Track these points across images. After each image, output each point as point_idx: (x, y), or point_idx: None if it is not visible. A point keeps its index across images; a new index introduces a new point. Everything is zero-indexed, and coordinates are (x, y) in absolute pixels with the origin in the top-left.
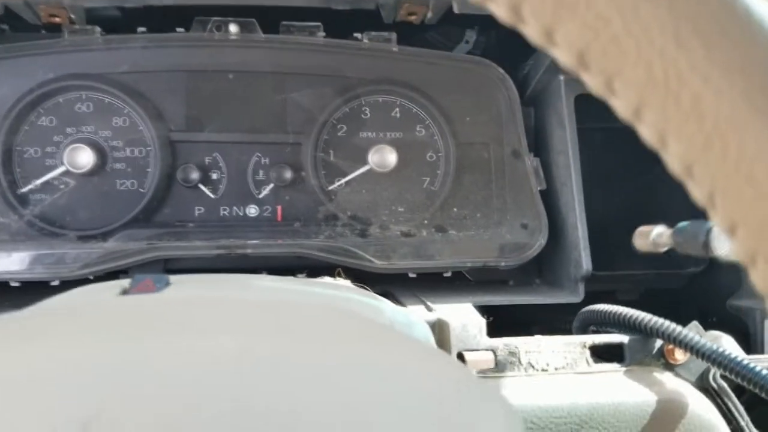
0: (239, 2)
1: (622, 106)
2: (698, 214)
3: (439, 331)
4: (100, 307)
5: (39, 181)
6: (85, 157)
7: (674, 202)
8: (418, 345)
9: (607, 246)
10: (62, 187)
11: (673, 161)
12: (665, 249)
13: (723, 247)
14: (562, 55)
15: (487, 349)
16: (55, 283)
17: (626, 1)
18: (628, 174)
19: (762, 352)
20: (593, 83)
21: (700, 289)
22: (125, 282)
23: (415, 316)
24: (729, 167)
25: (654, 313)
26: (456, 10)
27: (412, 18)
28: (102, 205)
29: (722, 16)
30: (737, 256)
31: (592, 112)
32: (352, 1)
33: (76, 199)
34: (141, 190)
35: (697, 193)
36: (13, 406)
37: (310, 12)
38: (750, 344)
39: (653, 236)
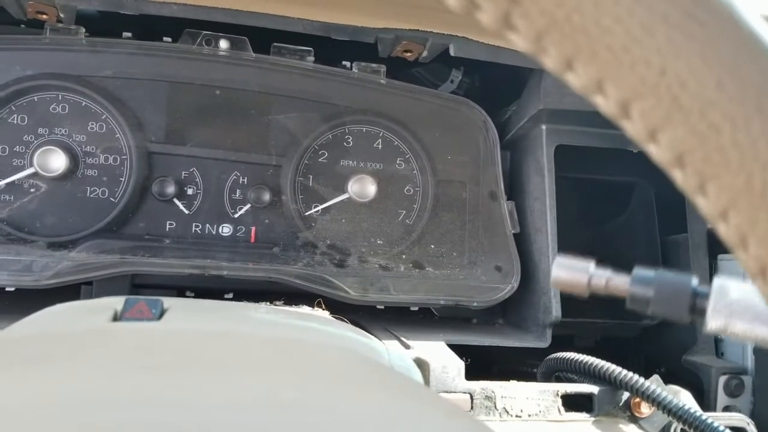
0: (239, 21)
1: (709, 207)
2: (655, 264)
3: (420, 369)
4: (102, 335)
5: (4, 182)
6: (56, 161)
7: (634, 252)
8: (432, 395)
9: (569, 293)
10: (32, 190)
11: (749, 261)
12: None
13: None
14: (659, 153)
15: (464, 392)
16: (10, 288)
17: (739, 115)
18: (593, 221)
19: (715, 408)
20: (684, 182)
21: (654, 341)
22: (114, 303)
23: (407, 358)
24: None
25: (609, 360)
26: (452, 53)
27: (408, 55)
28: (72, 212)
29: None
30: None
31: (566, 162)
32: (352, 32)
33: (45, 204)
34: (112, 199)
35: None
36: None
37: (302, 35)
38: (704, 400)
39: (602, 281)
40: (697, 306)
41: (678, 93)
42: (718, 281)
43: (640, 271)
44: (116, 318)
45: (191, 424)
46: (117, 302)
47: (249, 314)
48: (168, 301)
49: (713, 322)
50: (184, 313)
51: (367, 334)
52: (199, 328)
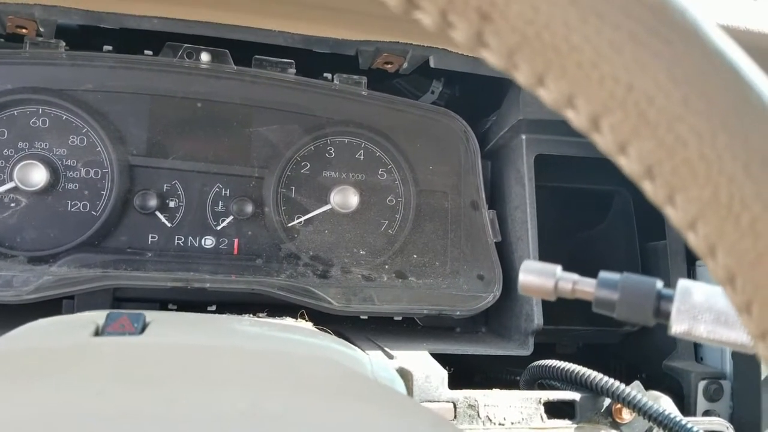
0: (220, 34)
1: (677, 216)
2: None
3: (403, 380)
4: (84, 350)
5: None
6: (36, 175)
7: (614, 260)
8: (416, 406)
9: (550, 301)
10: (12, 205)
11: (717, 270)
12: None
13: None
14: (629, 165)
15: (448, 401)
16: None
17: (705, 129)
18: (573, 230)
19: (695, 413)
20: (654, 193)
21: (634, 347)
22: (95, 317)
23: (391, 369)
24: None
25: (589, 367)
26: (432, 64)
27: (388, 67)
28: (53, 226)
29: None
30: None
31: (546, 171)
32: (333, 45)
33: (25, 218)
34: (94, 213)
35: (735, 299)
36: None
37: (283, 47)
38: (683, 405)
39: (571, 287)
40: (661, 309)
41: (645, 108)
42: (682, 283)
43: (605, 274)
44: (98, 332)
45: None
46: (99, 317)
47: (231, 327)
48: (150, 315)
49: (677, 326)
50: (166, 327)
51: (351, 345)
52: (182, 342)
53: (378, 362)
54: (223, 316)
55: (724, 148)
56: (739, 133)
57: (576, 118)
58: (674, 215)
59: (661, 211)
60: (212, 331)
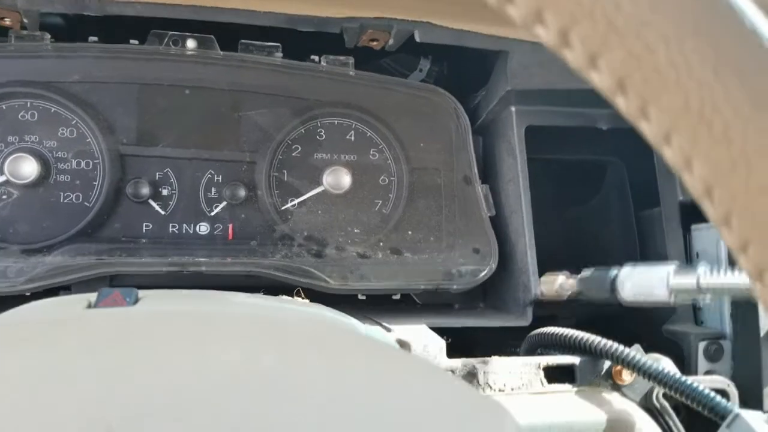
0: (203, 17)
1: (652, 130)
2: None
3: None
4: (76, 321)
5: None
6: (27, 168)
7: (609, 231)
8: (411, 356)
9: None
10: (4, 197)
11: (695, 183)
12: (568, 295)
13: (627, 293)
14: (601, 80)
15: (447, 370)
16: None
17: (673, 34)
18: (568, 203)
19: (696, 373)
20: (627, 107)
21: (634, 315)
22: (88, 296)
23: (386, 335)
24: (751, 191)
25: None
26: (418, 38)
27: (374, 44)
28: (46, 217)
29: (759, 54)
30: (746, 271)
31: (537, 143)
32: (318, 23)
33: (18, 210)
34: (87, 203)
35: (713, 213)
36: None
37: (268, 31)
38: (685, 366)
39: (557, 285)
40: (615, 286)
41: (613, 16)
42: (625, 268)
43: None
44: (90, 308)
45: (168, 396)
46: (92, 296)
47: (223, 299)
48: (144, 292)
49: (622, 293)
50: (158, 300)
51: (347, 316)
52: (172, 310)
53: (371, 328)
54: (216, 291)
55: (693, 52)
56: (708, 37)
57: (546, 35)
58: (649, 129)
59: (636, 126)
60: (204, 302)
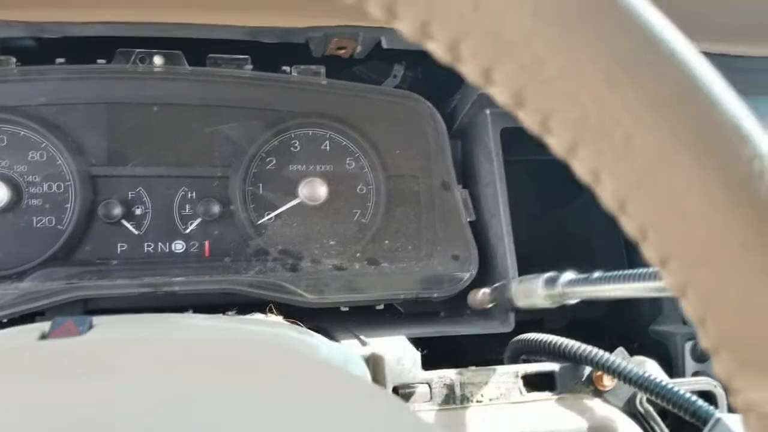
0: (164, 34)
1: (557, 144)
2: (617, 243)
3: (374, 365)
4: (22, 352)
5: None
6: None
7: (594, 233)
8: (356, 381)
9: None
10: None
11: (607, 197)
12: (491, 305)
13: (521, 301)
14: (500, 95)
15: (422, 383)
16: None
17: (561, 46)
18: (551, 206)
19: (683, 375)
20: (529, 121)
21: (621, 316)
22: (44, 325)
23: (351, 352)
24: (661, 202)
25: (580, 340)
26: (384, 45)
27: (341, 52)
28: (17, 243)
29: (650, 57)
30: (669, 286)
31: (517, 145)
32: (281, 34)
33: None
34: (59, 226)
35: (630, 227)
36: None
37: (238, 45)
38: (672, 368)
39: (479, 296)
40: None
41: (497, 27)
42: (515, 279)
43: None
44: (43, 338)
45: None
46: (46, 325)
47: (178, 322)
48: (99, 319)
49: (517, 302)
50: (110, 326)
51: (312, 333)
52: (118, 337)
53: (333, 345)
54: (175, 314)
55: (584, 59)
56: (597, 39)
57: (437, 49)
58: (554, 143)
59: (542, 140)
60: (157, 327)
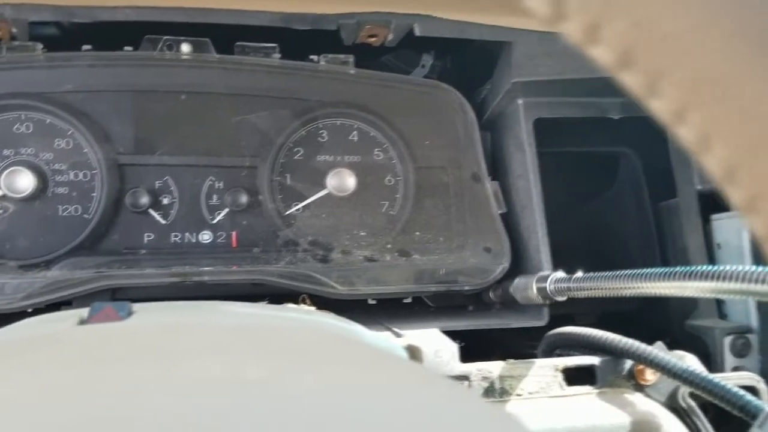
0: (194, 19)
1: (662, 108)
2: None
3: (411, 357)
4: (66, 338)
5: None
6: (24, 181)
7: (626, 225)
8: (420, 368)
9: (565, 270)
10: (0, 212)
11: (715, 165)
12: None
13: (518, 296)
14: (603, 54)
15: (461, 375)
16: None
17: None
18: (580, 197)
19: (723, 370)
20: (633, 83)
21: (653, 311)
22: (80, 311)
23: (394, 342)
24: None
25: None
26: (418, 32)
27: (372, 40)
28: (44, 231)
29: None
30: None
31: (547, 136)
32: (313, 21)
33: (15, 225)
34: (86, 215)
35: (738, 197)
36: None
37: (265, 33)
38: (710, 363)
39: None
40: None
41: None
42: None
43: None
44: (82, 323)
45: (162, 414)
46: (83, 311)
47: (220, 309)
48: (137, 305)
49: (516, 296)
50: (152, 312)
51: (352, 323)
52: (167, 323)
53: (376, 334)
54: (214, 301)
55: (709, 15)
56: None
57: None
58: (658, 107)
59: (644, 104)
60: (199, 314)
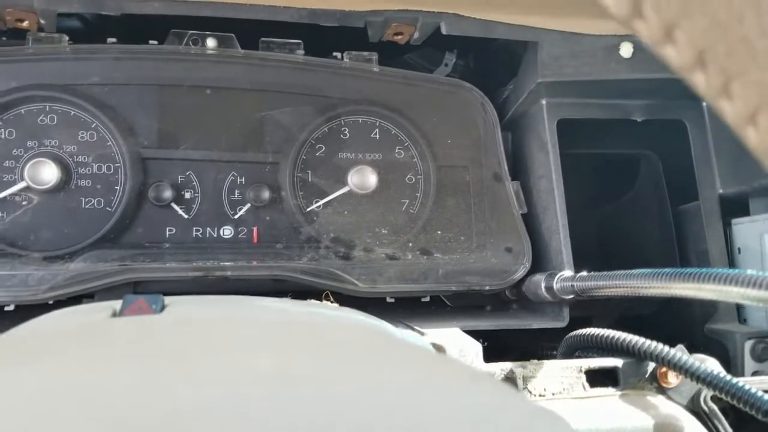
0: (222, 14)
1: (733, 109)
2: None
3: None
4: (103, 330)
5: None
6: (48, 173)
7: (646, 227)
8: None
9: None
10: (24, 203)
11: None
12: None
13: (530, 294)
14: (677, 55)
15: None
16: (10, 308)
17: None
18: (601, 199)
19: (742, 374)
20: (705, 84)
21: (671, 315)
22: (112, 304)
23: (422, 339)
24: None
25: None
26: (444, 31)
27: (399, 38)
28: (67, 223)
29: None
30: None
31: (568, 138)
32: (341, 18)
33: (39, 216)
34: (108, 208)
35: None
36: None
37: (290, 29)
38: (730, 367)
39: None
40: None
41: None
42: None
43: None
44: (116, 315)
45: (206, 408)
46: (116, 303)
47: (251, 303)
48: (169, 299)
49: (527, 294)
50: (185, 306)
51: (377, 318)
52: (203, 316)
53: (406, 332)
54: (242, 296)
55: None
56: None
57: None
58: (729, 108)
59: (713, 104)
60: (232, 308)
